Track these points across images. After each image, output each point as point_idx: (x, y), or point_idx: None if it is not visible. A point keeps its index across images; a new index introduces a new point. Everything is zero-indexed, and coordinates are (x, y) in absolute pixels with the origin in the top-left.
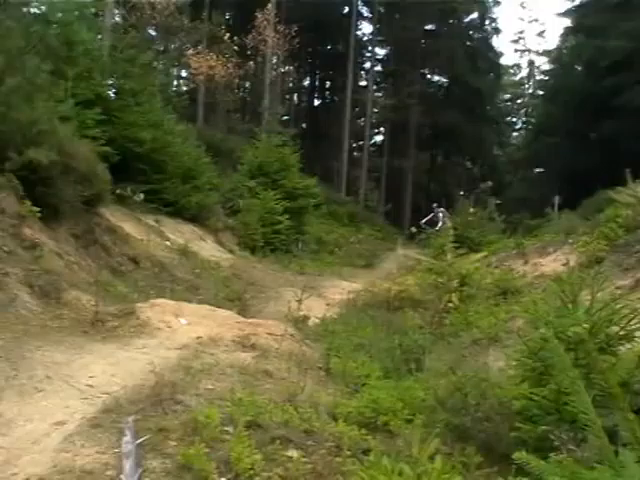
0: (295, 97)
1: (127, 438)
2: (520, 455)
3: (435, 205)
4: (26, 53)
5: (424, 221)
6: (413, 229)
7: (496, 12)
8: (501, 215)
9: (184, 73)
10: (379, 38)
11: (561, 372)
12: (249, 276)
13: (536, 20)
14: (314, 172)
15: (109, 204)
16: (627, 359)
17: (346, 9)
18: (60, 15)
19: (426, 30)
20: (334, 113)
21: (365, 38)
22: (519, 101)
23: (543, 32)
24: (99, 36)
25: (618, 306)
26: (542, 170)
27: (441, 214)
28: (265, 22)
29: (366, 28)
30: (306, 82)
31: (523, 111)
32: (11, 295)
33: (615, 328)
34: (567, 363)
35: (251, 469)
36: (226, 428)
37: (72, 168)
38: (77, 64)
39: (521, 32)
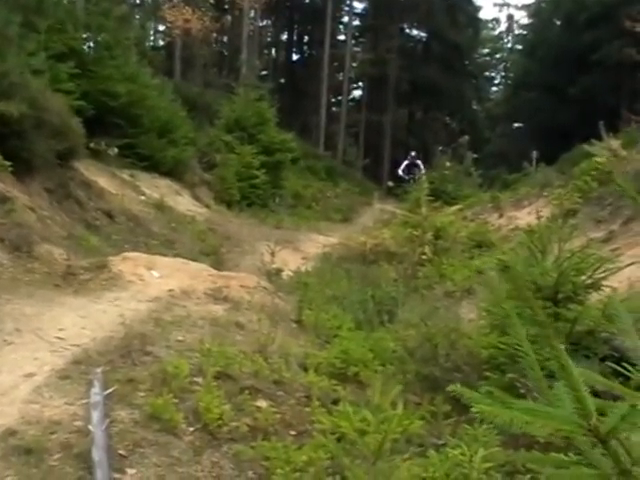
0: (273, 51)
1: (95, 389)
2: (454, 387)
3: (413, 154)
4: None
5: (402, 169)
6: (391, 183)
7: None
8: (478, 169)
9: (162, 27)
10: None
11: (496, 305)
12: (225, 230)
13: None
14: (292, 127)
15: (83, 158)
16: (593, 308)
17: None
18: None
19: None
20: (312, 68)
21: None
22: (498, 56)
23: None
24: None
25: (585, 256)
26: (521, 125)
27: (419, 161)
28: None
29: None
30: (284, 36)
31: (502, 66)
32: None
33: (583, 277)
34: (501, 295)
35: (219, 419)
36: (195, 379)
37: (45, 121)
38: (48, 16)
39: None
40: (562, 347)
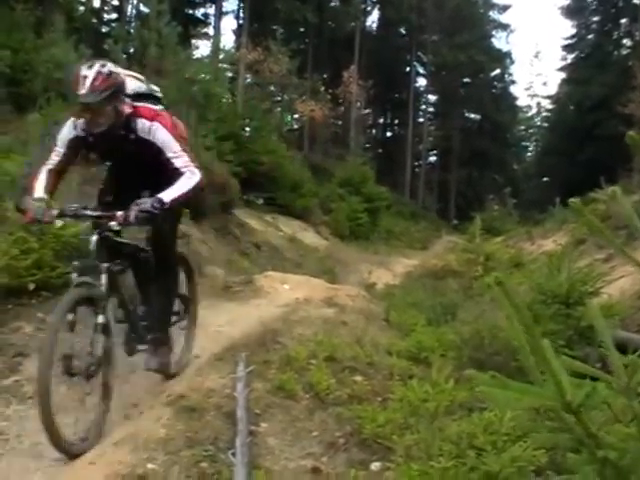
0: (373, 130)
1: (240, 367)
2: (470, 372)
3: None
4: (179, 103)
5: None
6: (455, 222)
7: (513, 69)
8: (517, 211)
9: (296, 116)
10: (431, 88)
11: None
12: (338, 256)
13: (541, 74)
14: (386, 183)
15: (239, 207)
16: (592, 308)
17: (407, 68)
18: (202, 76)
19: (463, 82)
20: (400, 141)
21: (421, 89)
22: (530, 131)
23: (546, 82)
24: (235, 93)
25: (589, 271)
26: (547, 179)
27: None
28: (350, 78)
29: (421, 82)
30: (381, 120)
31: (533, 138)
32: None
33: (586, 287)
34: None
35: (327, 389)
36: (311, 361)
37: (213, 182)
38: (216, 110)
39: (531, 82)
40: (546, 341)
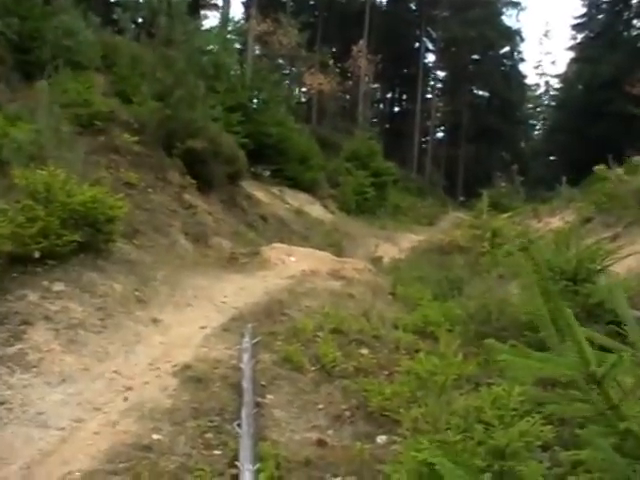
0: (381, 105)
1: (246, 339)
2: (489, 342)
3: None
4: (187, 74)
5: None
6: (462, 198)
7: (522, 47)
8: (524, 188)
9: (304, 89)
10: (440, 64)
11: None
12: (345, 230)
13: (550, 53)
14: (394, 158)
15: (246, 179)
16: (601, 286)
17: (416, 44)
18: (210, 47)
19: (473, 59)
20: (408, 117)
21: (430, 64)
22: (538, 109)
23: (555, 61)
24: (244, 65)
25: (596, 249)
26: (554, 158)
27: None
28: (359, 52)
29: (430, 57)
30: (389, 95)
31: (541, 116)
32: (173, 240)
33: (594, 264)
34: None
35: (333, 362)
36: (317, 333)
37: (220, 153)
38: (225, 81)
39: (540, 61)
40: (569, 311)
